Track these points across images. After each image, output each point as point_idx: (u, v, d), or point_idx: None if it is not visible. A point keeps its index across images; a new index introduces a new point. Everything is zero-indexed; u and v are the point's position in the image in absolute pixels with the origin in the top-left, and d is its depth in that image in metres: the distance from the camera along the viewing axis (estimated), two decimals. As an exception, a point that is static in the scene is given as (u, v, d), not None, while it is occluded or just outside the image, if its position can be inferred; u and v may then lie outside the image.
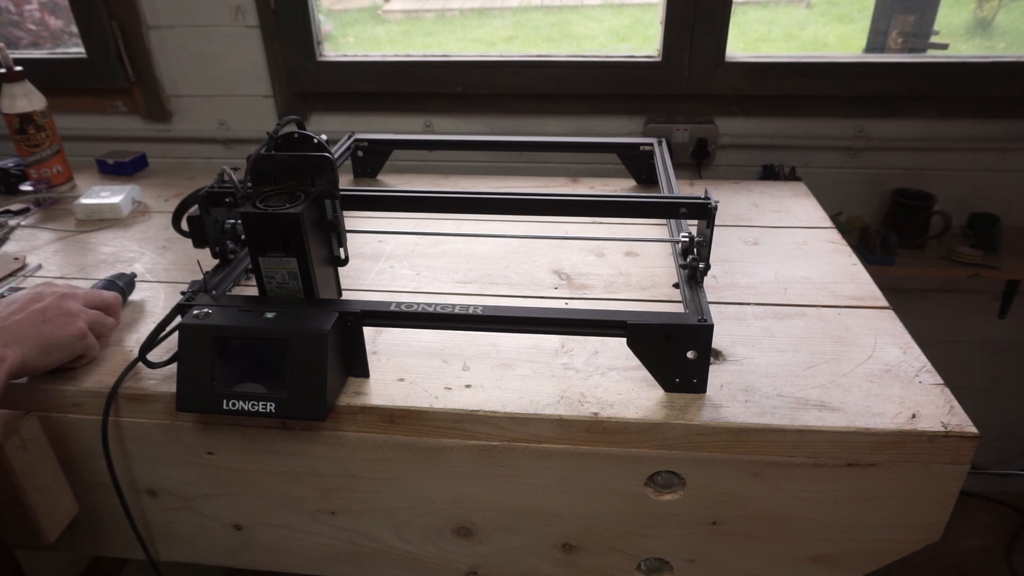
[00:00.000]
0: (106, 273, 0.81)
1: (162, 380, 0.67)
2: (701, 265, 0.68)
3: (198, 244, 0.72)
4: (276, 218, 0.62)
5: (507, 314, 0.63)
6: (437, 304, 0.64)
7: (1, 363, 0.58)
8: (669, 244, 0.90)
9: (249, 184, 0.66)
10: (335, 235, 0.69)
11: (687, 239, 0.71)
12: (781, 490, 0.62)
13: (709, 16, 1.19)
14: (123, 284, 0.80)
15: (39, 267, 0.89)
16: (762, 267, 0.85)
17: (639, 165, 1.11)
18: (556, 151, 1.31)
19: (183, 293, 0.67)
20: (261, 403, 0.60)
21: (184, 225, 0.72)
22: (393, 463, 0.66)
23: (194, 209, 0.71)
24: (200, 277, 0.69)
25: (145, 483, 0.71)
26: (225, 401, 0.60)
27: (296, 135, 0.67)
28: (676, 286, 0.80)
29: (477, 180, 1.18)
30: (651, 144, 1.08)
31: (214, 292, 0.69)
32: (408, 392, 0.64)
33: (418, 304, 0.64)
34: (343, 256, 0.71)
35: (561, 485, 0.65)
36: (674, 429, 0.60)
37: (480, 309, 0.63)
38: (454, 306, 0.63)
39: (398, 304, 0.64)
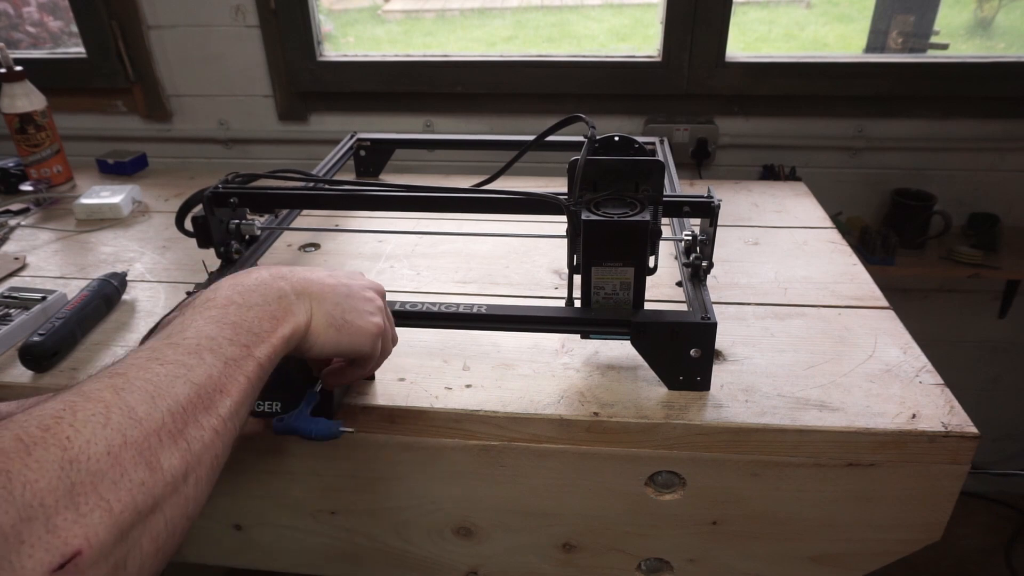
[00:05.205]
0: (104, 273, 0.81)
1: (162, 380, 0.66)
2: (704, 263, 0.68)
3: (203, 245, 0.72)
4: (625, 226, 0.58)
5: (511, 313, 0.63)
6: (441, 304, 0.64)
7: (287, 321, 0.46)
8: (672, 244, 0.90)
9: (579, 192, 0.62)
10: (651, 242, 0.65)
11: (690, 237, 0.71)
12: (781, 490, 0.62)
13: (709, 16, 1.19)
14: (117, 284, 0.80)
15: (24, 267, 0.89)
16: (762, 267, 0.85)
17: None
18: (558, 150, 1.31)
19: (188, 294, 0.66)
20: (267, 403, 0.60)
21: (188, 225, 0.72)
22: (393, 463, 0.66)
23: (198, 209, 0.70)
24: (205, 278, 0.69)
25: (145, 483, 0.71)
26: None
27: (617, 139, 0.65)
28: (679, 284, 0.80)
29: (477, 180, 1.18)
30: (652, 143, 1.08)
31: None
32: (408, 392, 0.64)
33: (422, 303, 0.64)
34: (653, 265, 0.66)
35: (561, 485, 0.65)
36: (674, 429, 0.60)
37: (484, 308, 0.63)
38: (458, 305, 0.63)
39: (403, 303, 0.64)
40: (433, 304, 0.63)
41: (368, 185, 0.75)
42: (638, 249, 0.60)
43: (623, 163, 0.62)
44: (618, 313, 0.62)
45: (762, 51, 1.30)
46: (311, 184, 0.86)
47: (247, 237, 0.77)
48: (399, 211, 0.77)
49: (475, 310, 0.63)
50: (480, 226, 0.94)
